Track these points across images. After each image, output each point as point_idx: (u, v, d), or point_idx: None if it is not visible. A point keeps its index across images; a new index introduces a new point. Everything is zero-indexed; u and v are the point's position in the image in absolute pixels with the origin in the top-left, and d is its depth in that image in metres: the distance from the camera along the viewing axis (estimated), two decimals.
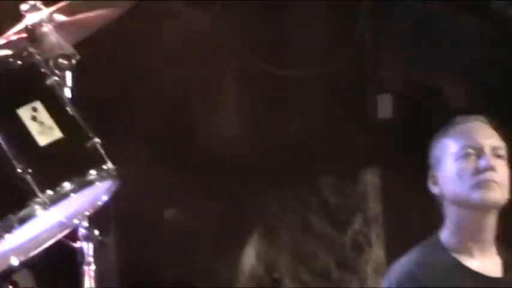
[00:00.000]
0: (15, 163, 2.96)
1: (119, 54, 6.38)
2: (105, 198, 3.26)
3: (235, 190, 7.14)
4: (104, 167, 3.10)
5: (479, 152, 3.95)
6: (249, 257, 7.42)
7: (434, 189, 4.00)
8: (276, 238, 7.40)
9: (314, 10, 7.37)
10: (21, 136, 3.09)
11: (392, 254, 5.25)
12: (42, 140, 3.05)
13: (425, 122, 6.31)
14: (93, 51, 3.65)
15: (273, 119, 7.43)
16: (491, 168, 3.92)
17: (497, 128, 4.09)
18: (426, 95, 7.51)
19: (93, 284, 3.35)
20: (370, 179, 7.62)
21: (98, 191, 3.22)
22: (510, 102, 6.89)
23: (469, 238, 4.01)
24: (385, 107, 7.38)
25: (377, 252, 7.50)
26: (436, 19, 7.67)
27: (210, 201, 6.92)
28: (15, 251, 3.27)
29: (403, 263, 4.04)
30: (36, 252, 3.35)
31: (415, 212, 5.53)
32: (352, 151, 7.37)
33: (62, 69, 3.22)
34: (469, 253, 4.01)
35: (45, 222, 3.17)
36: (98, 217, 3.37)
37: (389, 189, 7.36)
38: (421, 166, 4.23)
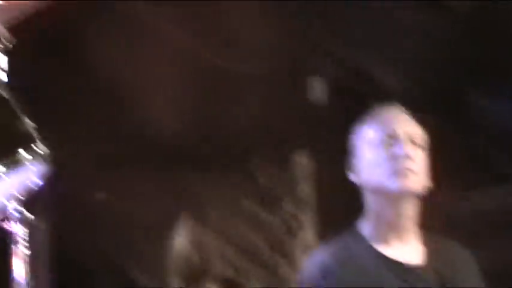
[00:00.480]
0: None
1: (61, 39, 6.40)
2: (37, 180, 3.30)
3: (167, 174, 7.27)
4: (36, 149, 3.26)
5: (395, 140, 3.96)
6: (181, 240, 7.49)
7: (353, 177, 4.05)
8: (207, 221, 7.49)
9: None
10: None
11: (323, 237, 5.33)
12: None
13: (357, 107, 6.41)
14: (32, 36, 3.86)
15: (207, 106, 7.42)
16: (407, 156, 3.92)
17: (416, 117, 4.03)
18: (358, 81, 7.45)
19: (25, 267, 3.37)
20: (302, 162, 7.69)
21: (30, 173, 3.30)
22: (442, 92, 6.97)
23: (387, 226, 4.05)
24: (316, 90, 7.43)
25: (308, 235, 7.56)
26: (373, 7, 7.43)
27: (143, 184, 6.93)
28: None
29: (318, 256, 4.09)
30: None
31: (346, 195, 5.73)
32: (284, 134, 7.44)
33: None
34: (388, 242, 4.06)
35: None
36: (32, 200, 3.38)
37: (320, 172, 7.41)
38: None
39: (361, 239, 4.09)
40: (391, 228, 4.00)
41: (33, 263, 3.51)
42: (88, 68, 6.58)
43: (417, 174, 3.91)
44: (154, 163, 7.31)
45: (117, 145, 7.20)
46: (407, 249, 4.01)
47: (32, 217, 3.44)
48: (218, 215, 7.54)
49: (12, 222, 3.42)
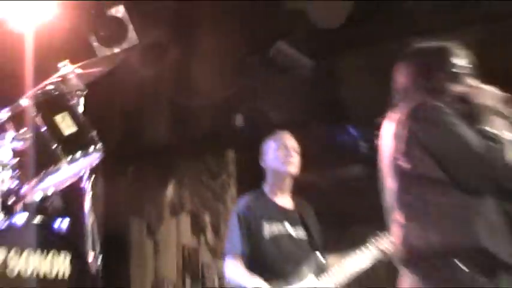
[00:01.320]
0: (51, 143, 4.64)
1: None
2: (96, 161, 4.91)
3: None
4: (97, 146, 4.82)
5: (285, 146, 6.27)
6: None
7: (262, 163, 6.31)
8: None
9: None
10: (55, 129, 4.76)
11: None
12: (66, 131, 4.76)
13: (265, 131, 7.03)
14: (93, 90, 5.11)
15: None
16: (291, 155, 6.21)
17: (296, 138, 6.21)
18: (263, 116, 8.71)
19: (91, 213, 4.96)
20: (232, 157, 9.57)
21: (93, 158, 4.89)
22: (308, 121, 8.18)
23: (277, 187, 6.30)
24: (238, 119, 8.90)
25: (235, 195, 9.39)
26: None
27: None
28: (54, 185, 5.01)
29: (243, 200, 6.28)
30: (61, 187, 5.13)
31: (261, 174, 6.62)
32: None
33: (78, 96, 4.97)
34: (276, 196, 6.30)
35: (66, 173, 4.85)
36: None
37: (247, 162, 8.21)
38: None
39: (263, 193, 6.35)
40: (279, 189, 6.33)
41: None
42: None
43: (294, 164, 6.23)
44: None
45: None
46: (285, 201, 6.34)
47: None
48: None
49: (83, 182, 5.07)
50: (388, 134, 4.34)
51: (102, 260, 5.14)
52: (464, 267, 4.03)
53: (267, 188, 6.14)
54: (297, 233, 6.03)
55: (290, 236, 5.98)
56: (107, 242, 6.54)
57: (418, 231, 4.14)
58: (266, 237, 5.92)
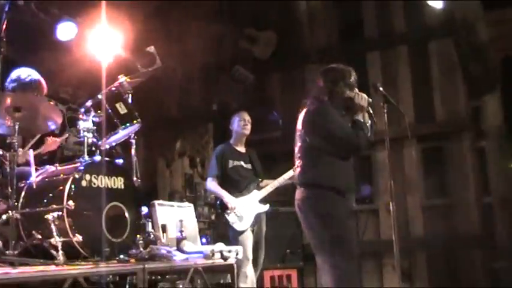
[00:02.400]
0: (115, 119, 4.84)
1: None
2: (137, 128, 5.04)
3: None
4: (138, 120, 4.98)
5: (244, 120, 6.09)
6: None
7: (231, 127, 6.14)
8: None
9: None
10: (116, 111, 4.90)
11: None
12: (122, 112, 4.93)
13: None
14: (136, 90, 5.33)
15: None
16: (247, 124, 6.10)
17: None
18: None
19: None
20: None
21: (136, 127, 5.02)
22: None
23: (238, 141, 6.16)
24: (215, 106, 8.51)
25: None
26: None
27: None
28: (115, 141, 5.12)
29: (219, 146, 6.15)
30: (119, 141, 5.20)
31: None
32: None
33: (128, 93, 5.15)
34: (237, 146, 6.19)
35: (121, 134, 5.01)
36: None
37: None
38: None
39: (230, 144, 6.19)
40: (239, 142, 6.17)
41: None
42: None
43: (248, 130, 6.11)
44: None
45: None
46: (241, 148, 6.20)
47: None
48: None
49: (131, 139, 5.21)
50: (300, 119, 4.25)
51: (141, 180, 5.19)
52: (327, 192, 4.05)
53: (232, 141, 6.27)
54: (247, 165, 6.17)
55: (243, 166, 6.13)
56: (145, 170, 6.77)
57: (308, 171, 4.15)
58: (230, 167, 6.07)
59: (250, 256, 5.80)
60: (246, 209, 5.91)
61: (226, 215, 5.84)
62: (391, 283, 7.32)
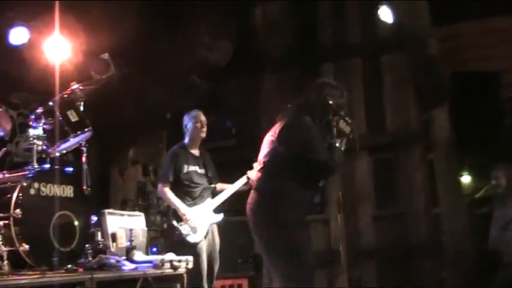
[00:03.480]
0: (65, 126, 4.78)
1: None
2: (89, 136, 5.04)
3: None
4: (89, 128, 4.97)
5: (201, 122, 5.79)
6: None
7: (185, 128, 5.79)
8: None
9: None
10: (67, 118, 4.81)
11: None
12: (73, 120, 4.88)
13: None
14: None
15: None
16: (204, 127, 5.80)
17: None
18: None
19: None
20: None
21: (87, 135, 5.04)
22: None
23: (194, 144, 5.82)
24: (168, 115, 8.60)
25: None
26: None
27: None
28: (65, 148, 5.08)
29: (172, 148, 5.82)
30: (70, 149, 5.18)
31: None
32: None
33: (80, 101, 5.05)
34: (192, 148, 5.84)
35: (72, 142, 4.99)
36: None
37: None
38: None
39: (184, 146, 5.84)
40: (194, 145, 5.86)
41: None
42: None
43: (204, 133, 5.78)
44: None
45: None
46: (196, 151, 5.89)
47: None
48: None
49: (82, 146, 5.15)
50: (278, 125, 4.11)
51: (91, 188, 5.18)
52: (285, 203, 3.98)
53: (187, 143, 5.91)
54: (201, 170, 5.86)
55: (197, 172, 5.81)
56: (97, 178, 6.67)
57: (272, 179, 4.05)
58: (184, 172, 5.73)
59: (205, 271, 5.56)
60: (200, 220, 5.63)
61: (179, 227, 5.52)
62: None
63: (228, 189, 5.86)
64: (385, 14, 6.95)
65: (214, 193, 5.90)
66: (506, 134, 8.20)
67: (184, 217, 5.54)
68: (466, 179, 8.83)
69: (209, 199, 5.83)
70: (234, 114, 8.03)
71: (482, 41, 8.93)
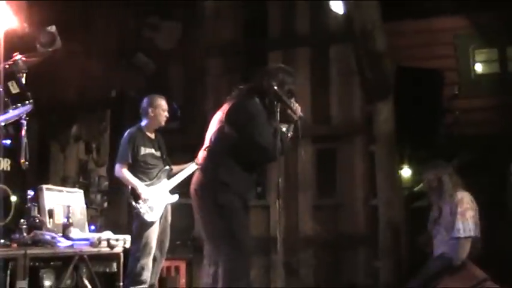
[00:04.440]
0: (5, 97, 4.64)
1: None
2: (29, 109, 4.88)
3: None
4: (30, 101, 4.79)
5: (163, 109, 5.85)
6: None
7: (145, 111, 5.84)
8: None
9: None
10: (8, 90, 4.64)
11: None
12: (13, 91, 4.70)
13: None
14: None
15: None
16: (166, 115, 5.89)
17: None
18: None
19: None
20: None
21: (28, 108, 4.86)
22: None
23: (152, 128, 5.89)
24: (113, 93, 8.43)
25: None
26: None
27: None
28: (4, 121, 4.84)
29: (130, 130, 5.81)
30: (9, 122, 4.97)
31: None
32: None
33: (23, 73, 4.90)
34: (149, 132, 5.90)
35: (12, 114, 4.81)
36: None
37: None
38: None
39: (141, 128, 5.88)
40: (152, 129, 5.92)
41: None
42: None
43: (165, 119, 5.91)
44: None
45: None
46: (152, 135, 5.93)
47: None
48: None
49: (22, 119, 4.99)
50: (227, 105, 4.11)
51: (30, 163, 5.02)
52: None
53: (144, 126, 5.97)
54: (157, 152, 5.97)
55: (153, 154, 5.92)
56: (37, 154, 6.51)
57: (216, 158, 4.04)
58: (141, 154, 5.82)
59: (153, 249, 5.69)
60: (156, 200, 5.76)
61: (137, 205, 5.62)
62: (278, 279, 7.37)
63: (183, 172, 5.96)
64: (336, 5, 6.97)
65: (170, 175, 6.02)
66: (446, 130, 8.39)
67: (142, 196, 5.64)
68: (406, 172, 8.91)
69: (165, 180, 5.95)
70: (179, 98, 7.88)
71: (427, 40, 9.31)
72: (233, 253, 3.90)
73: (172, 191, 5.97)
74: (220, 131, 4.09)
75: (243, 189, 4.06)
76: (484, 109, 9.12)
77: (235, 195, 3.98)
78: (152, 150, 5.96)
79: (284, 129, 4.09)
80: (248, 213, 4.21)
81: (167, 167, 6.02)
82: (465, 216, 5.25)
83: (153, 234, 5.70)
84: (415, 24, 9.33)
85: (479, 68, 9.65)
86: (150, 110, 5.96)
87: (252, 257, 4.16)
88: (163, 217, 5.85)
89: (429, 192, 5.72)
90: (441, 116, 8.37)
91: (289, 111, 4.06)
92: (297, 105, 4.13)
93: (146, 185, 5.78)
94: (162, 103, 6.01)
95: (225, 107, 4.14)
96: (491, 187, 7.02)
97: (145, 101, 6.02)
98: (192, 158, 5.63)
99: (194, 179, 4.14)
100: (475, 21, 9.11)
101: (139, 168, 5.84)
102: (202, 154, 4.19)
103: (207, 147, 4.15)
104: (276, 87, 4.03)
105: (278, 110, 3.97)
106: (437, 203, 5.59)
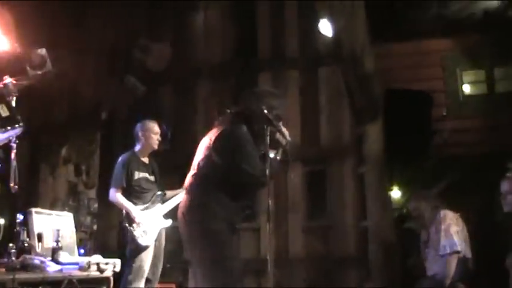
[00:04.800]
0: None
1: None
2: (19, 132, 4.69)
3: None
4: (20, 124, 4.61)
5: (156, 133, 5.89)
6: None
7: (138, 137, 5.88)
8: None
9: None
10: None
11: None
12: (3, 114, 4.55)
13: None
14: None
15: None
16: (159, 139, 5.91)
17: None
18: None
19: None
20: None
21: (18, 130, 4.69)
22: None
23: (145, 153, 5.94)
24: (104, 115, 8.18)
25: None
26: None
27: None
28: None
29: (124, 155, 5.87)
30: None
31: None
32: None
33: (13, 96, 4.75)
34: (142, 156, 5.94)
35: (2, 137, 4.64)
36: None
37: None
38: None
39: (135, 153, 5.93)
40: (146, 154, 5.95)
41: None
42: None
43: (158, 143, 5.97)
44: None
45: None
46: (145, 159, 5.98)
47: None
48: None
49: (12, 142, 4.80)
50: (214, 132, 4.06)
51: (20, 187, 4.85)
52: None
53: (138, 151, 6.00)
54: (151, 177, 6.00)
55: (147, 178, 5.96)
56: (26, 176, 6.46)
57: (204, 182, 3.98)
58: (135, 178, 5.84)
59: (146, 273, 5.67)
60: (151, 224, 5.76)
61: (131, 229, 5.62)
62: None
63: (176, 197, 5.86)
64: (325, 27, 7.03)
65: (164, 199, 6.00)
66: (435, 151, 8.44)
67: (136, 220, 5.65)
68: (396, 193, 8.96)
69: (159, 205, 5.94)
70: (169, 119, 7.83)
71: (415, 61, 9.34)
72: (218, 280, 3.84)
73: (166, 216, 5.96)
74: (208, 158, 4.04)
75: (231, 215, 3.99)
76: (473, 129, 9.16)
77: (223, 221, 3.93)
78: (146, 175, 5.98)
79: (272, 155, 4.02)
80: (235, 238, 4.14)
81: (161, 192, 6.03)
82: (449, 231, 5.27)
83: (147, 258, 5.69)
84: (403, 47, 9.42)
85: (467, 89, 9.73)
86: (140, 134, 5.99)
87: (239, 283, 3.99)
88: (157, 241, 5.84)
89: (414, 220, 5.80)
90: (430, 137, 8.42)
91: (278, 135, 4.03)
92: (284, 129, 4.09)
93: (140, 209, 5.79)
94: (153, 127, 6.03)
95: (213, 133, 4.10)
96: (480, 207, 7.05)
97: (137, 126, 6.05)
98: (182, 178, 5.44)
99: (182, 203, 4.10)
100: (462, 43, 9.22)
101: (133, 192, 5.86)
102: (189, 179, 4.13)
103: (194, 173, 4.10)
104: (265, 111, 3.97)
105: (268, 134, 3.93)
106: (424, 228, 5.65)
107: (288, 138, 4.09)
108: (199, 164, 4.09)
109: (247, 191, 4.15)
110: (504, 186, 4.81)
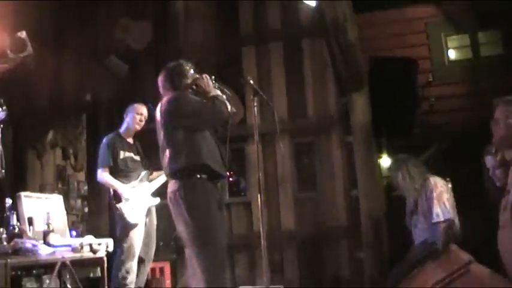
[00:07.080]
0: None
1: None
2: (3, 117, 4.73)
3: None
4: (3, 108, 4.69)
5: (142, 115, 5.98)
6: None
7: (125, 118, 6.02)
8: None
9: None
10: None
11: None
12: None
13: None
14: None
15: None
16: (143, 121, 6.01)
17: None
18: None
19: None
20: None
21: (1, 115, 4.73)
22: None
23: (130, 134, 6.00)
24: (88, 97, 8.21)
25: None
26: None
27: None
28: None
29: (109, 136, 5.91)
30: None
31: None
32: None
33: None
34: (127, 137, 6.00)
35: None
36: None
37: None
38: None
39: (120, 134, 5.98)
40: (130, 134, 6.02)
41: None
42: None
43: (142, 124, 6.01)
44: None
45: None
46: (130, 139, 6.04)
47: None
48: None
49: None
50: (158, 110, 4.39)
51: (6, 171, 4.92)
52: (199, 176, 4.08)
53: (122, 132, 6.09)
54: (136, 157, 6.06)
55: (133, 158, 6.01)
56: (13, 162, 6.44)
57: (174, 159, 4.15)
58: (121, 158, 5.89)
59: (137, 252, 5.71)
60: (138, 201, 5.80)
61: (119, 207, 5.67)
62: (262, 275, 7.21)
63: (162, 176, 5.89)
64: None
65: (150, 179, 6.08)
66: (422, 118, 8.34)
67: (124, 196, 5.69)
68: (385, 161, 8.88)
69: (147, 183, 6.01)
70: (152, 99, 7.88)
71: (399, 29, 9.40)
72: (209, 252, 3.95)
73: (153, 194, 6.01)
74: (167, 133, 4.24)
75: (212, 170, 4.12)
76: (459, 95, 9.21)
77: (205, 189, 4.06)
78: (131, 154, 6.03)
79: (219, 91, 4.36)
80: (223, 207, 4.30)
81: (147, 171, 6.07)
82: (441, 199, 5.28)
83: (137, 236, 5.72)
84: (387, 14, 9.43)
85: (452, 54, 9.74)
86: (127, 116, 6.08)
87: (227, 254, 4.16)
88: (147, 221, 5.89)
89: (398, 189, 5.77)
90: (416, 104, 8.32)
91: (200, 81, 4.38)
92: (205, 75, 4.43)
93: (129, 187, 5.84)
94: (137, 107, 6.08)
95: (158, 113, 4.38)
96: (467, 174, 6.95)
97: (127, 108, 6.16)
98: None
99: (168, 188, 4.22)
100: (446, 8, 9.23)
101: (119, 172, 5.89)
102: (164, 160, 4.29)
103: (165, 155, 4.25)
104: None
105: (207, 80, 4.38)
106: (409, 196, 5.61)
107: (211, 76, 4.45)
108: (164, 143, 4.27)
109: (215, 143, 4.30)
110: (489, 161, 4.78)
